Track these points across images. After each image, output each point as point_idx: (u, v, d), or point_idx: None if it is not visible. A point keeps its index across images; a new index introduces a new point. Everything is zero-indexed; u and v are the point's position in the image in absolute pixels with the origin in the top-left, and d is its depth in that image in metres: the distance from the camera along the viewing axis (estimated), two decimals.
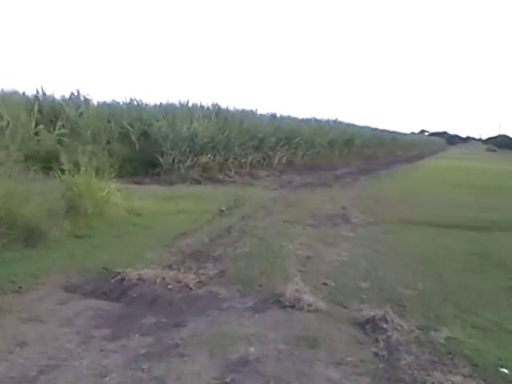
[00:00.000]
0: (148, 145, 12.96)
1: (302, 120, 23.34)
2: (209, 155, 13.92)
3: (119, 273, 4.45)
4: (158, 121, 13.36)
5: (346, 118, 36.15)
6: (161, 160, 12.76)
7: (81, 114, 12.15)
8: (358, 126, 31.26)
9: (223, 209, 8.37)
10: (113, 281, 4.32)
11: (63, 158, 6.60)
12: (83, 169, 6.52)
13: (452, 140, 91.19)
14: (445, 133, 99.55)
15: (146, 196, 8.98)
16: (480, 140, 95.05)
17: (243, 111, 18.07)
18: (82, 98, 13.27)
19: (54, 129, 11.15)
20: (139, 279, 4.36)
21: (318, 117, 25.42)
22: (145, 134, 13.21)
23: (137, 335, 3.33)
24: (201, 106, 16.35)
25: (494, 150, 58.26)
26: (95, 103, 13.83)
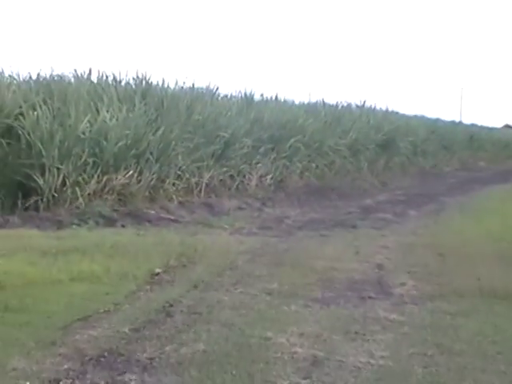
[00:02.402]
0: (15, 153, 13.07)
1: (302, 106, 24.26)
2: (130, 171, 14.02)
3: None
4: (33, 109, 13.42)
5: (382, 103, 36.23)
6: (40, 181, 12.78)
7: None
8: (406, 117, 32.20)
9: (157, 271, 8.51)
10: None
11: None
12: None
13: None
14: None
15: (12, 250, 8.92)
16: None
17: (193, 91, 18.65)
18: None
19: None
20: None
21: (330, 100, 26.18)
22: (8, 134, 13.31)
23: None
24: (115, 80, 16.97)
25: None
26: None
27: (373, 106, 28.48)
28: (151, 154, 14.79)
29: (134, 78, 17.27)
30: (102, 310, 6.66)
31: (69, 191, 13.06)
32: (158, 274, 8.41)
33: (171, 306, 6.91)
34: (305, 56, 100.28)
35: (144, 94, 16.42)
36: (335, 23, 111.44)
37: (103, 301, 6.98)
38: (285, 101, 23.42)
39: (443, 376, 5.25)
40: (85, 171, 13.44)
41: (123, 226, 12.35)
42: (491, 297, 7.75)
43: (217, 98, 19.52)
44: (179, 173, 15.56)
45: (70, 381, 4.85)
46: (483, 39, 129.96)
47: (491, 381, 5.24)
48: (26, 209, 12.56)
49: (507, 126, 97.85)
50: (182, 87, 18.54)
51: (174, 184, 15.24)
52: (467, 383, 5.15)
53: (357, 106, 26.89)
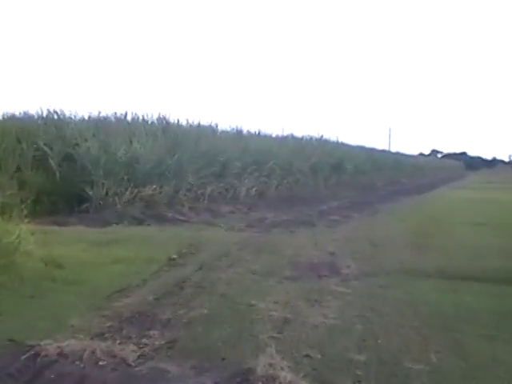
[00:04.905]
0: (73, 172, 13.15)
1: (277, 138, 24.06)
2: (154, 186, 14.10)
3: (32, 346, 4.40)
4: (86, 140, 13.44)
5: (334, 135, 36.60)
6: (90, 193, 12.89)
7: None
8: (350, 146, 32.27)
9: (174, 257, 8.46)
10: (23, 357, 4.25)
11: None
12: None
13: (473, 163, 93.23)
14: (463, 154, 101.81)
15: (70, 241, 8.97)
16: (510, 163, 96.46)
17: (199, 127, 18.63)
18: None
19: None
20: (60, 354, 4.32)
21: (297, 134, 26.19)
22: (68, 158, 13.36)
23: None
24: (143, 119, 16.85)
25: None
26: None
27: (327, 138, 28.43)
28: (169, 173, 14.83)
29: (157, 118, 17.18)
30: (134, 284, 6.68)
31: (110, 199, 13.15)
32: (174, 258, 8.38)
33: (183, 281, 6.93)
34: (280, 96, 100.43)
35: (164, 129, 16.38)
36: (300, 70, 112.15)
37: (135, 278, 6.98)
38: (265, 135, 23.33)
39: (375, 329, 5.29)
40: (121, 185, 13.48)
41: (149, 224, 12.32)
42: (409, 274, 7.82)
43: (216, 133, 19.42)
44: (189, 186, 15.55)
45: (111, 334, 4.89)
46: (409, 81, 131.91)
47: (406, 328, 5.35)
48: (80, 212, 12.57)
49: (435, 152, 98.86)
50: (191, 125, 18.44)
51: (185, 194, 15.26)
52: (390, 333, 5.21)
53: (316, 139, 26.71)
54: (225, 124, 22.28)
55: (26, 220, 7.22)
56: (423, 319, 5.72)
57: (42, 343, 4.43)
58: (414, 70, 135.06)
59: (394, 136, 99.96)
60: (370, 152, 35.85)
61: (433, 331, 5.32)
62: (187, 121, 18.50)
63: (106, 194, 13.15)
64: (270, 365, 4.08)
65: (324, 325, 5.40)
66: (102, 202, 13.01)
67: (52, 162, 13.05)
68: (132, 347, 4.55)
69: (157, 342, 4.72)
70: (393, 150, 56.32)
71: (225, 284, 6.89)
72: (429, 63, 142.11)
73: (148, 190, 13.92)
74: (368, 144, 38.33)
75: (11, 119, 14.54)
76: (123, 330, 5.00)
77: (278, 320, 5.48)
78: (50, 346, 4.39)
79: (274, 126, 61.91)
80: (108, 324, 5.17)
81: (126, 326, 5.12)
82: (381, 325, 5.46)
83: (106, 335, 4.84)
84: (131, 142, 14.22)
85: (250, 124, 40.77)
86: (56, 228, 10.56)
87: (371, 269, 8.12)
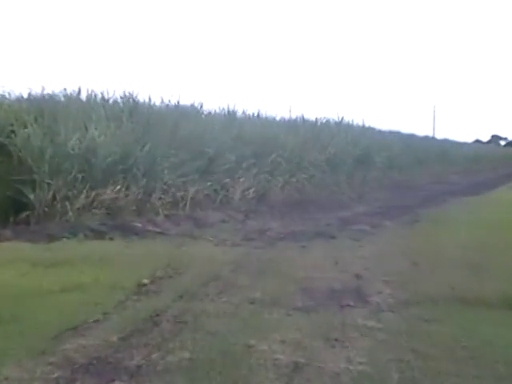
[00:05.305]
0: (6, 169, 13.04)
1: (282, 122, 24.58)
2: (118, 187, 14.07)
3: None
4: (25, 126, 13.46)
5: (359, 118, 36.39)
6: (31, 196, 12.79)
7: None
8: (381, 132, 32.39)
9: (145, 282, 8.51)
10: None
11: None
12: None
13: None
14: None
15: (4, 262, 8.98)
16: None
17: (178, 108, 18.66)
18: None
19: None
20: None
21: (310, 116, 26.18)
22: (0, 151, 13.23)
23: None
24: (103, 98, 16.86)
25: None
26: None
27: (350, 122, 28.41)
28: (138, 169, 14.74)
29: (121, 97, 17.20)
30: (91, 320, 6.62)
31: (59, 206, 13.01)
32: (145, 284, 8.39)
33: (158, 315, 6.90)
34: (286, 71, 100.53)
35: (131, 111, 16.32)
36: (316, 39, 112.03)
37: (92, 311, 6.95)
38: (266, 117, 23.40)
39: (419, 381, 5.22)
40: (74, 186, 13.37)
41: (111, 238, 12.25)
42: (464, 303, 7.75)
43: (201, 115, 19.51)
44: (165, 187, 15.47)
45: None
46: (456, 56, 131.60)
47: (464, 379, 5.26)
48: (18, 223, 12.49)
49: (496, 138, 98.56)
50: (168, 105, 18.51)
51: (160, 198, 15.16)
52: None
53: (335, 122, 26.68)
54: (213, 105, 22.78)
55: None
56: (484, 366, 5.61)
57: None
58: (466, 34, 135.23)
59: (439, 118, 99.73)
60: (408, 139, 36.01)
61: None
62: (162, 100, 18.60)
63: (54, 198, 13.06)
64: None
65: (348, 373, 5.33)
66: (47, 210, 12.90)
67: None
68: None
69: None
70: (438, 136, 56.44)
71: (214, 318, 6.86)
72: (484, 26, 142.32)
73: (110, 193, 13.86)
74: (405, 129, 38.35)
75: None
76: (76, 383, 4.94)
77: (285, 366, 5.43)
78: None
79: (279, 107, 61.61)
80: (56, 374, 5.10)
81: (81, 377, 5.05)
82: (425, 372, 5.39)
83: None
84: (87, 129, 14.15)
85: (247, 104, 40.43)
86: None
87: (411, 296, 8.07)
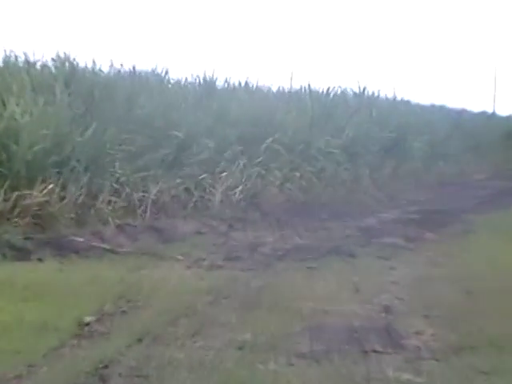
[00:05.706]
0: None
1: (280, 94, 22.24)
2: (50, 186, 12.22)
3: None
4: None
5: (387, 89, 32.56)
6: None
7: None
8: (420, 107, 29.61)
9: (88, 320, 7.73)
10: None
11: None
12: None
13: None
14: None
15: None
16: None
17: (135, 75, 17.43)
18: None
19: None
20: None
21: (318, 86, 23.63)
22: None
23: None
24: (27, 62, 15.46)
25: None
26: None
27: (376, 94, 25.33)
28: (78, 161, 12.90)
29: (53, 60, 15.51)
30: (11, 375, 5.92)
31: None
32: (88, 323, 7.57)
33: (106, 367, 6.15)
34: (284, 25, 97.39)
35: (68, 80, 14.62)
36: None
37: (13, 362, 6.23)
38: (258, 88, 21.07)
39: None
40: None
41: (40, 259, 10.74)
42: None
43: (167, 86, 18.03)
44: (117, 186, 13.64)
45: None
46: None
47: None
48: None
49: None
50: (120, 71, 16.96)
51: (109, 201, 13.30)
52: None
53: (354, 94, 24.05)
54: (185, 72, 20.56)
55: None
56: None
57: None
58: None
59: (502, 88, 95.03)
60: (459, 117, 32.88)
61: None
62: (112, 64, 17.00)
63: None
64: None
65: None
66: None
67: None
68: None
69: None
70: (501, 112, 51.65)
71: (185, 370, 6.12)
72: None
73: (38, 195, 12.03)
74: (453, 103, 35.34)
75: None
76: None
77: None
78: None
79: (276, 75, 58.61)
80: None
81: None
82: None
83: None
84: (4, 105, 12.55)
85: (231, 71, 36.76)
86: None
87: (464, 338, 7.28)
